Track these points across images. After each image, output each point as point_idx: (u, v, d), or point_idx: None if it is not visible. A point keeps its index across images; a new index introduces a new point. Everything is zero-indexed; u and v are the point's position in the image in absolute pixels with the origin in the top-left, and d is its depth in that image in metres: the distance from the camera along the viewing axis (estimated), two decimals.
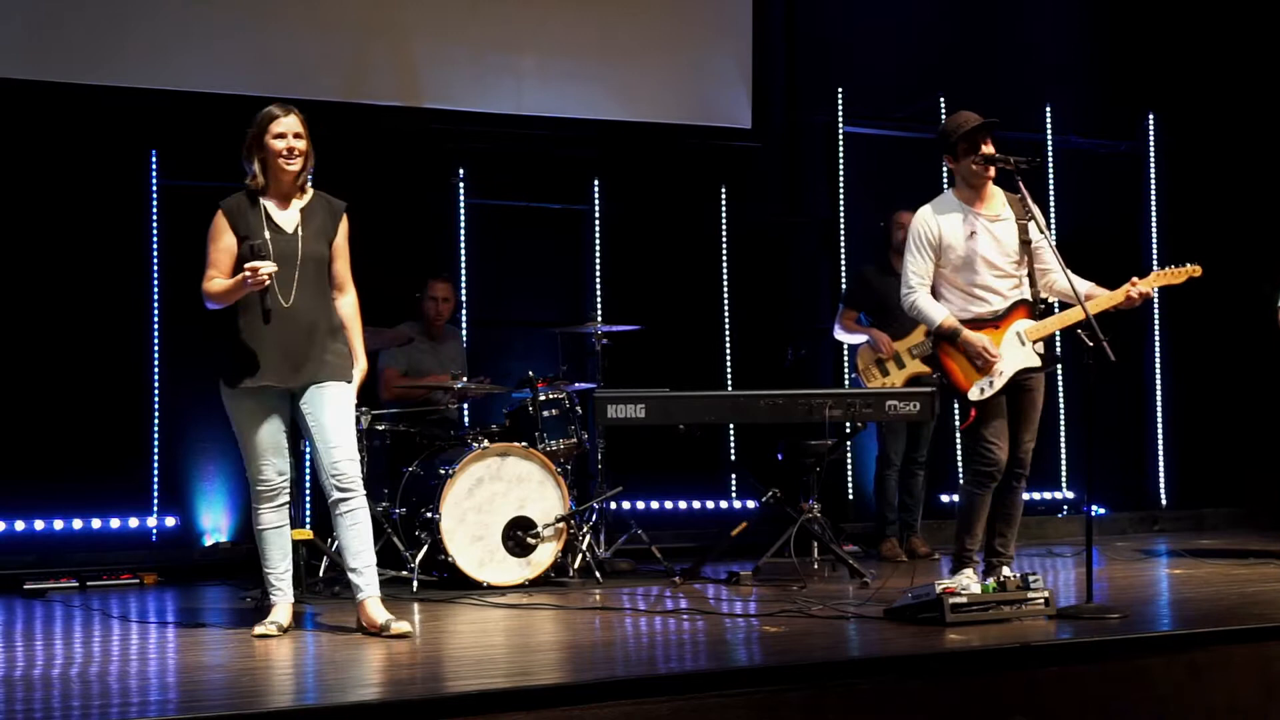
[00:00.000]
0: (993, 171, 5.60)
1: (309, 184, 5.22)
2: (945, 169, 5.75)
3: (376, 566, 5.18)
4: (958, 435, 8.49)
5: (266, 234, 5.08)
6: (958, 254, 5.59)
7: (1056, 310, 5.80)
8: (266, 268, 4.93)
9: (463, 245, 8.36)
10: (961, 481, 5.81)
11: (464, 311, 8.28)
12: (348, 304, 5.28)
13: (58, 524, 7.37)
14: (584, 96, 8.45)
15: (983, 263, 5.59)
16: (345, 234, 5.25)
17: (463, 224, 8.39)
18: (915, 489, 7.76)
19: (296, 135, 5.11)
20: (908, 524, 7.76)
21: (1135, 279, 5.54)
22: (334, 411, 5.10)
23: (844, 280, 8.97)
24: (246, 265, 4.94)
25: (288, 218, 5.16)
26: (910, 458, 7.72)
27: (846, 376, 8.86)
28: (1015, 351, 5.57)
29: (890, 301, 7.32)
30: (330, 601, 6.04)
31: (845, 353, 8.88)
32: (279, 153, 5.09)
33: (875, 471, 7.89)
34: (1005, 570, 5.47)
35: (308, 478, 7.43)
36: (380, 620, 5.00)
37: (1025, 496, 5.78)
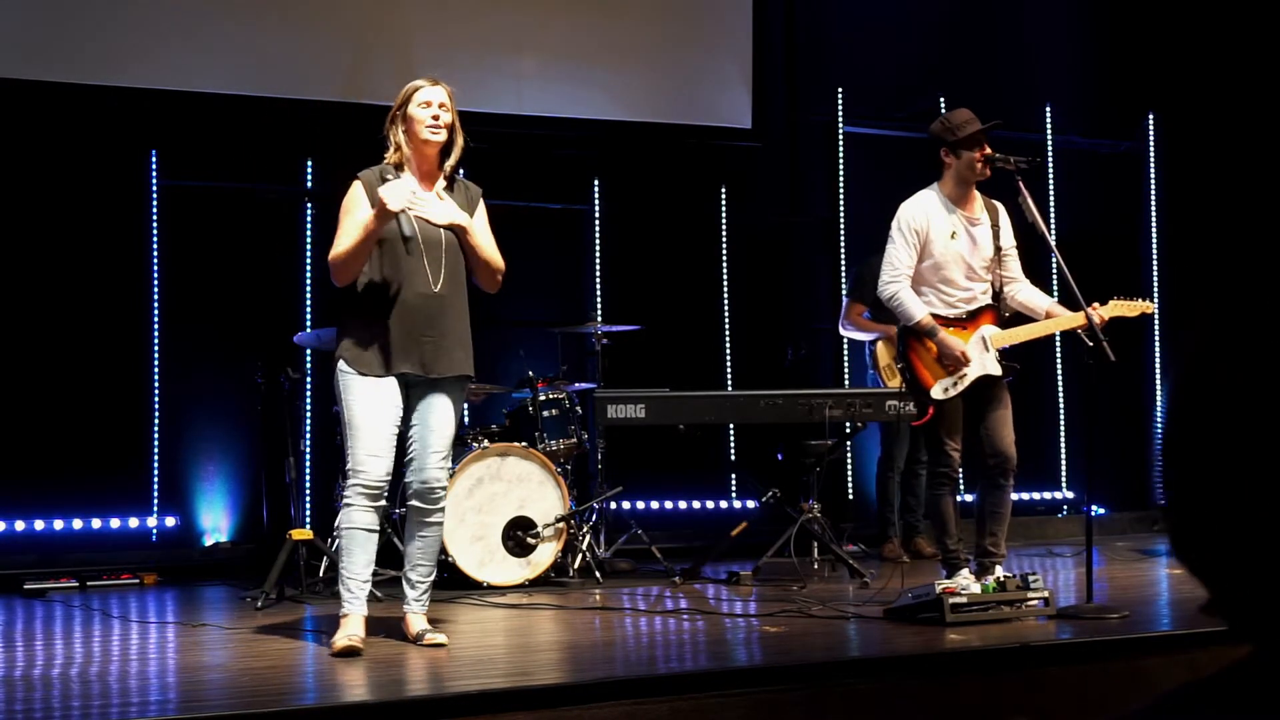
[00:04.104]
0: (989, 172, 5.61)
1: (449, 169, 4.86)
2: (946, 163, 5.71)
3: (432, 581, 4.93)
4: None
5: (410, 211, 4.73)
6: (939, 252, 5.60)
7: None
8: (402, 193, 4.58)
9: None
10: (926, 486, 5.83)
11: None
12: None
13: (58, 524, 7.36)
14: (584, 96, 8.45)
15: (961, 264, 5.60)
16: (485, 219, 4.96)
17: None
18: (918, 489, 7.75)
19: (442, 106, 4.76)
20: (912, 525, 7.75)
21: (1096, 304, 5.53)
22: (445, 417, 4.82)
23: (844, 277, 8.97)
24: (381, 190, 4.58)
25: (428, 195, 4.81)
26: (914, 458, 7.72)
27: (848, 372, 8.86)
28: (980, 356, 5.57)
29: None
30: (330, 601, 6.03)
31: (846, 351, 8.89)
32: (422, 123, 4.74)
33: (877, 472, 7.88)
34: (999, 570, 5.47)
35: (307, 478, 7.44)
36: (415, 630, 4.83)
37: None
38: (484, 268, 4.92)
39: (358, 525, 4.71)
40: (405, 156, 4.82)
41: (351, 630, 4.65)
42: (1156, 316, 9.90)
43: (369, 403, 4.70)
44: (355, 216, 4.71)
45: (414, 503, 4.85)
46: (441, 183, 4.90)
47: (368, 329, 4.72)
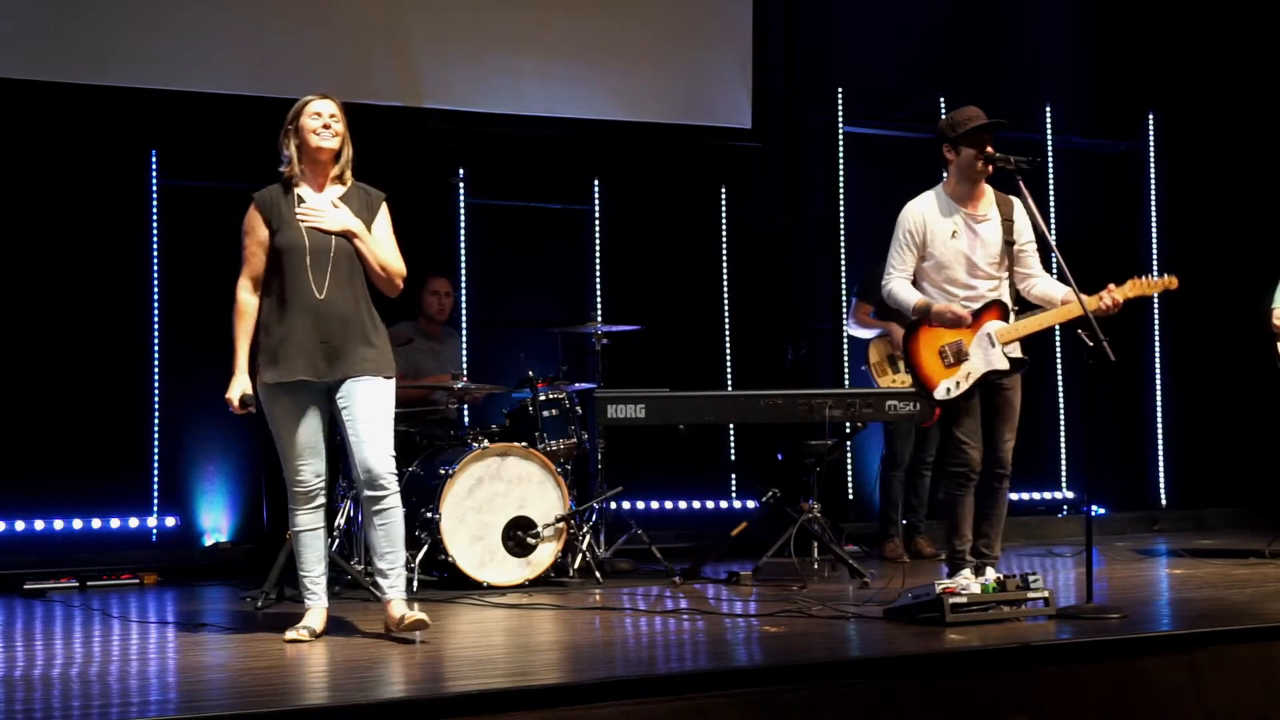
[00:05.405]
0: (990, 170, 5.61)
1: (348, 174, 5.08)
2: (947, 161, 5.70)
3: (403, 565, 5.03)
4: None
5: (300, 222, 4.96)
6: (940, 251, 5.60)
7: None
8: (238, 406, 5.01)
9: (463, 245, 8.36)
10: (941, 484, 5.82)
11: (464, 312, 8.28)
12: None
13: (58, 524, 7.37)
14: (584, 96, 8.45)
15: (964, 262, 5.60)
16: (387, 224, 5.10)
17: (463, 224, 8.39)
18: (921, 490, 7.75)
19: (332, 116, 5.02)
20: (913, 525, 7.75)
21: (1112, 285, 5.53)
22: (368, 406, 4.94)
23: (844, 277, 8.98)
24: (234, 401, 5.01)
25: (321, 203, 5.01)
26: (918, 458, 7.71)
27: (848, 372, 8.86)
28: (985, 353, 5.56)
29: None
30: (331, 602, 6.02)
31: (846, 352, 8.89)
32: (313, 131, 4.98)
33: (880, 472, 7.87)
34: (991, 571, 5.46)
35: None
36: (397, 615, 4.90)
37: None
38: (378, 273, 5.06)
39: (300, 528, 5.10)
40: (298, 169, 5.03)
41: (305, 622, 5.00)
42: (1157, 317, 9.90)
43: (285, 412, 5.01)
44: (252, 238, 5.02)
45: (364, 493, 4.96)
46: (336, 190, 5.06)
47: (270, 341, 5.00)
